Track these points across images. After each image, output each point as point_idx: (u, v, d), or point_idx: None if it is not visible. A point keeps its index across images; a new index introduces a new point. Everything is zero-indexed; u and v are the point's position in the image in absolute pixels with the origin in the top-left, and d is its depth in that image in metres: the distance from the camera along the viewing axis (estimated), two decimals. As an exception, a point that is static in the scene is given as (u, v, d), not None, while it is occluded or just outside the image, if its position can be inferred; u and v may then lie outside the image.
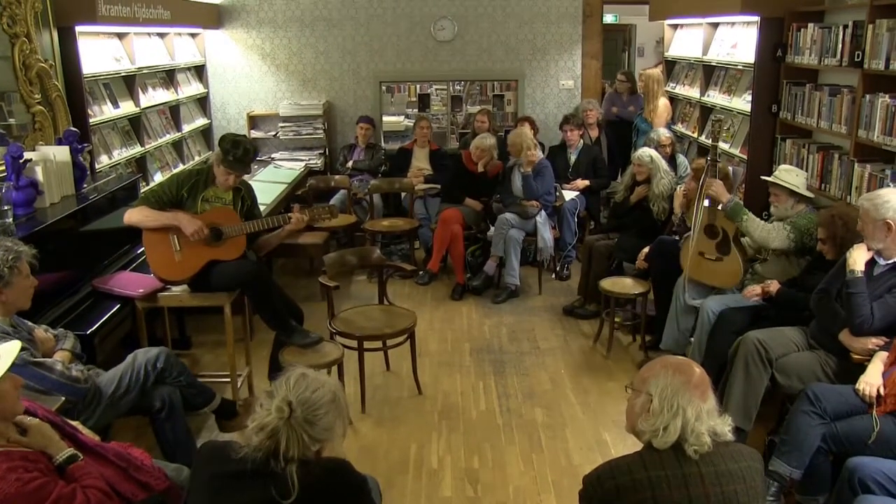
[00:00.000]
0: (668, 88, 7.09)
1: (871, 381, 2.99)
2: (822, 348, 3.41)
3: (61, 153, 4.16)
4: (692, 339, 4.25)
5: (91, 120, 5.03)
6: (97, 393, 2.97)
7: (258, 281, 3.82)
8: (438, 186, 6.60)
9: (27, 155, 3.87)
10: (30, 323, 2.98)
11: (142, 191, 4.97)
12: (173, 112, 6.70)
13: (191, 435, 3.28)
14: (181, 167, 6.51)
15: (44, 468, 2.10)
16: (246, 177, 4.17)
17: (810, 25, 4.62)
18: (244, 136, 4.24)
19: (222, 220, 3.81)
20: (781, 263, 4.03)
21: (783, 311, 3.78)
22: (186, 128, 6.89)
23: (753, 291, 3.90)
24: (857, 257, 3.19)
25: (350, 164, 7.08)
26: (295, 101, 7.63)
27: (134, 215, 3.78)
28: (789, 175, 4.05)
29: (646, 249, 4.83)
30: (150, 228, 3.77)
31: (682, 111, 7.01)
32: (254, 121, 7.72)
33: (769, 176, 4.23)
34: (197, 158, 7.10)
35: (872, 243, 3.21)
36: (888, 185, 3.75)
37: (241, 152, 3.74)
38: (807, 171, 4.62)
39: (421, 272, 6.10)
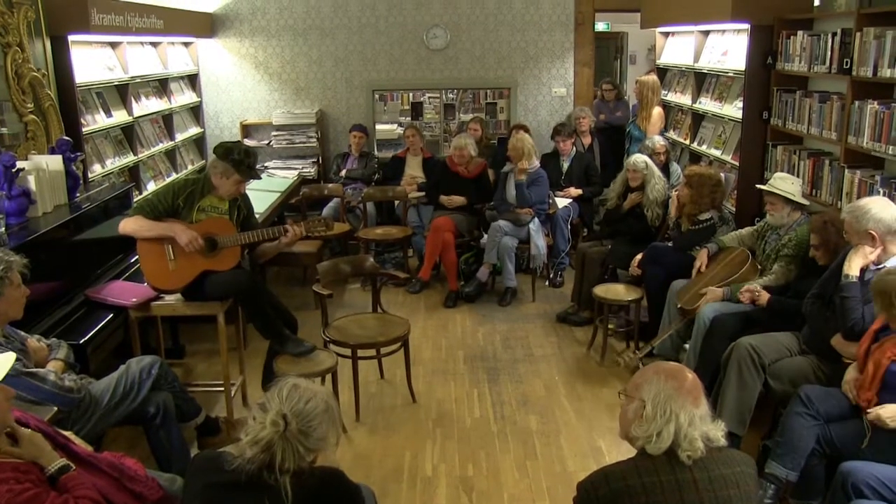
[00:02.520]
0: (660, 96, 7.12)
1: (849, 378, 3.02)
2: (814, 353, 3.43)
3: (54, 162, 4.16)
4: (686, 344, 4.27)
5: (84, 129, 5.02)
6: (91, 402, 2.96)
7: (252, 291, 3.81)
8: (432, 195, 6.62)
9: (20, 164, 3.87)
10: (22, 333, 2.97)
11: (136, 199, 4.96)
12: (166, 121, 6.70)
13: (185, 443, 3.27)
14: (174, 176, 6.50)
15: (35, 479, 2.08)
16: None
17: (799, 33, 4.66)
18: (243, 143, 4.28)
19: (217, 230, 3.81)
20: (782, 270, 4.03)
21: (775, 319, 3.79)
22: (179, 137, 6.88)
23: (748, 290, 3.91)
24: (854, 262, 3.20)
25: (343, 172, 7.09)
26: (288, 110, 7.64)
27: (129, 225, 3.77)
28: (784, 183, 4.07)
29: (639, 256, 4.85)
30: (145, 238, 3.76)
31: (674, 118, 7.04)
32: (247, 129, 7.72)
33: (762, 183, 4.26)
34: (190, 167, 7.09)
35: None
36: (878, 191, 3.78)
37: (253, 160, 3.87)
38: (798, 177, 4.65)
39: (412, 280, 6.10)
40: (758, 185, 4.34)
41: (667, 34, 7.28)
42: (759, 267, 4.22)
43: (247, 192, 4.07)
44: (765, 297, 3.82)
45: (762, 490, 3.01)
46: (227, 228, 3.83)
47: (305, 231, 3.94)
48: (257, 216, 4.54)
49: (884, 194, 3.67)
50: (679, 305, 4.29)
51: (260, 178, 4.06)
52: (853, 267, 3.19)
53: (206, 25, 7.42)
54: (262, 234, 3.89)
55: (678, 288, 4.44)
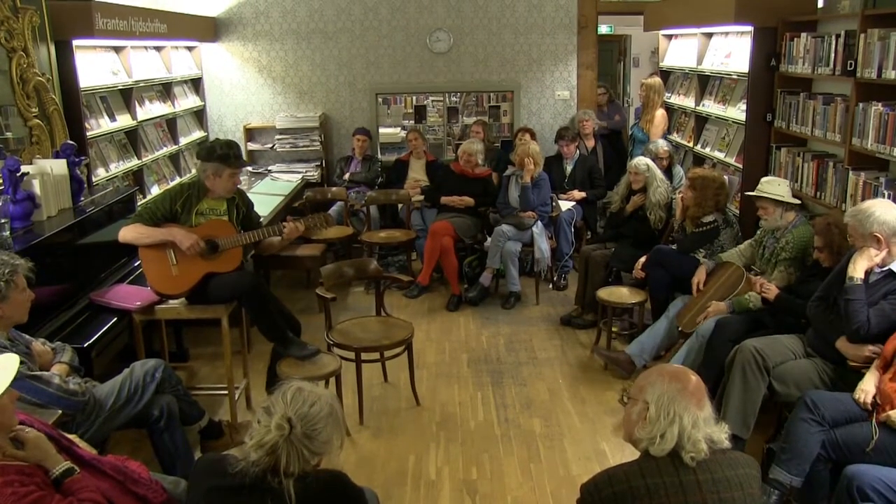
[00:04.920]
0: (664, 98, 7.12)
1: (868, 388, 2.99)
2: (819, 356, 3.41)
3: (58, 166, 4.17)
4: (664, 354, 4.32)
5: (88, 133, 5.03)
6: (96, 405, 2.97)
7: (256, 292, 3.82)
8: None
9: (24, 168, 3.88)
10: (27, 336, 2.98)
11: (138, 205, 4.97)
12: (170, 125, 6.71)
13: (189, 446, 3.27)
14: (178, 180, 6.51)
15: (40, 482, 2.09)
16: (243, 188, 4.20)
17: (803, 35, 4.66)
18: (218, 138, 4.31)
19: (218, 233, 3.82)
20: (782, 274, 4.02)
21: (780, 317, 3.79)
22: (183, 141, 6.89)
23: (757, 282, 3.92)
24: (859, 265, 3.19)
25: (347, 175, 7.10)
26: (291, 114, 7.65)
27: (129, 233, 3.78)
28: (772, 186, 4.08)
29: (643, 259, 4.84)
30: (146, 245, 3.77)
31: (677, 121, 7.04)
32: (251, 133, 7.74)
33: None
34: (193, 171, 7.10)
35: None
36: (883, 193, 3.77)
37: (237, 149, 3.89)
38: (802, 179, 4.66)
39: (411, 285, 6.05)
40: (747, 193, 4.33)
41: (670, 37, 7.28)
42: (759, 272, 4.21)
43: (250, 194, 4.09)
44: (774, 291, 3.82)
45: (766, 496, 3.00)
46: (227, 230, 3.84)
47: (305, 228, 3.96)
48: (261, 219, 4.55)
49: (888, 196, 3.66)
50: (679, 328, 4.30)
51: (249, 165, 4.07)
52: (858, 269, 3.17)
53: (210, 29, 7.44)
54: (261, 233, 3.91)
55: (678, 309, 4.47)
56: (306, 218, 4.01)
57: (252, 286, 3.81)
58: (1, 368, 2.09)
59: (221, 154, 3.76)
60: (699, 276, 4.39)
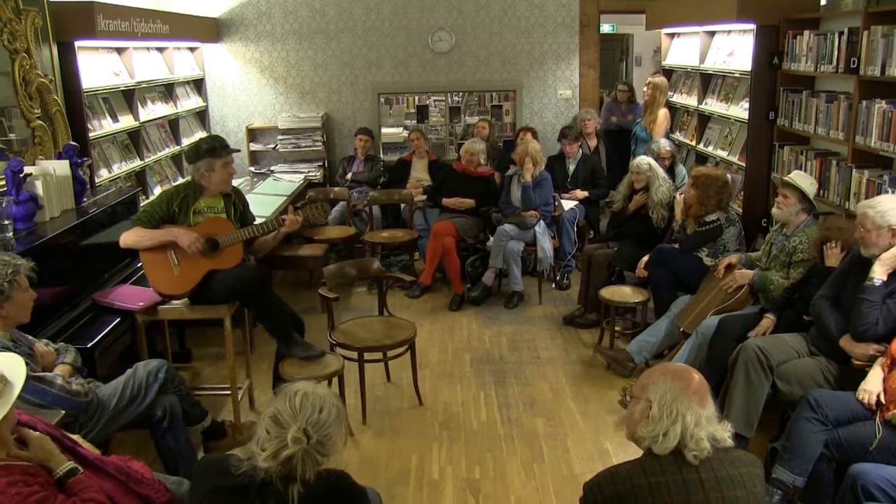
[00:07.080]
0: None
1: (871, 388, 2.98)
2: (822, 355, 3.40)
3: (61, 167, 4.18)
4: (666, 353, 4.31)
5: (91, 134, 5.04)
6: (99, 406, 2.97)
7: (259, 286, 3.82)
8: (438, 197, 6.61)
9: (27, 169, 3.88)
10: (30, 337, 2.98)
11: (140, 207, 4.97)
12: (172, 126, 6.72)
13: (192, 447, 3.28)
14: (180, 181, 6.52)
15: (43, 482, 2.09)
16: (245, 189, 4.20)
17: (806, 33, 4.65)
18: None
19: (217, 230, 3.82)
20: (802, 275, 4.00)
21: (786, 314, 3.78)
22: (186, 141, 6.88)
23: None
24: (887, 265, 3.13)
25: (349, 175, 7.10)
26: (294, 114, 7.66)
27: (129, 237, 3.78)
28: (802, 179, 4.08)
29: (645, 258, 4.84)
30: (147, 248, 3.78)
31: (679, 119, 7.03)
32: (253, 134, 7.75)
33: (768, 184, 4.25)
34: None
35: (874, 250, 3.19)
36: (886, 191, 3.76)
37: (222, 139, 3.92)
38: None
39: (414, 285, 6.02)
40: (782, 178, 4.33)
41: (672, 35, 7.27)
42: (764, 268, 4.20)
43: (252, 195, 4.08)
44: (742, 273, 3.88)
45: (769, 496, 2.99)
46: (226, 227, 3.85)
47: (303, 219, 3.96)
48: (263, 219, 4.55)
49: (892, 194, 3.65)
50: (681, 329, 4.29)
51: (238, 150, 4.07)
52: (881, 271, 3.11)
53: (212, 30, 7.45)
54: (261, 228, 3.91)
55: (680, 307, 4.47)
56: (304, 209, 4.01)
57: (256, 279, 3.81)
58: (10, 372, 2.09)
59: (208, 148, 3.78)
60: (731, 259, 4.37)
